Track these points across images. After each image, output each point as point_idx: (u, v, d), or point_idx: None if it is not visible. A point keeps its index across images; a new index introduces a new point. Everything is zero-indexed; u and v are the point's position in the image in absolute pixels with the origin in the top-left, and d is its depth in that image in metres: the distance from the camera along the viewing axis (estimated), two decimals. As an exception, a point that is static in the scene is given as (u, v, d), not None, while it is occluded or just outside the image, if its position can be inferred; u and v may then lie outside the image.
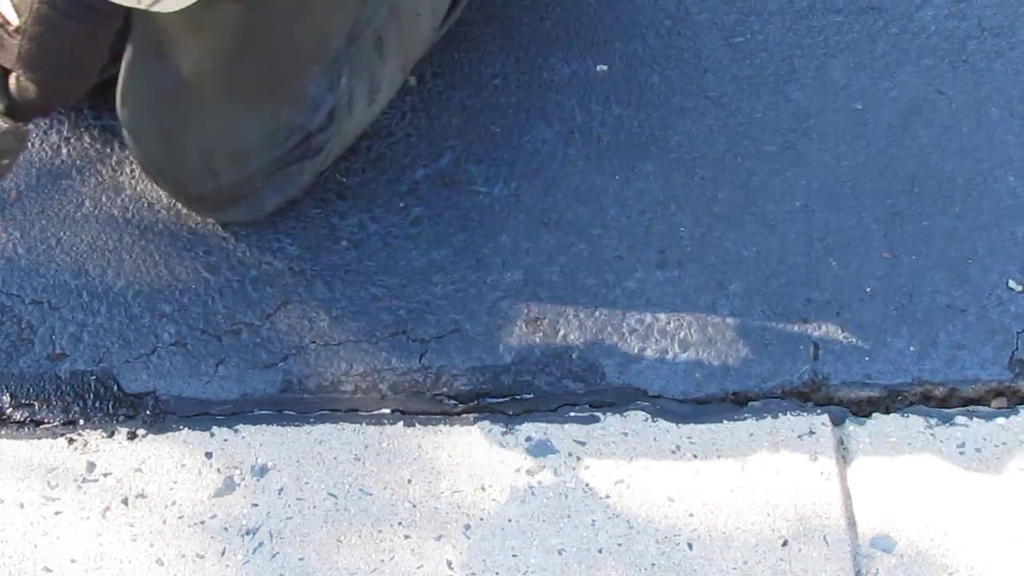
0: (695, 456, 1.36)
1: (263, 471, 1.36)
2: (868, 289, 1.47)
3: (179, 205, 1.52)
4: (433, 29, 1.56)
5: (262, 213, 1.49)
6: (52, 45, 1.23)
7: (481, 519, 1.33)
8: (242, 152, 1.42)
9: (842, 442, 1.38)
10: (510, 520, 1.33)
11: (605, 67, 1.64)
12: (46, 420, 1.41)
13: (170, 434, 1.39)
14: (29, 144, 1.52)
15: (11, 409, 1.42)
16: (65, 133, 1.59)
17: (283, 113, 1.41)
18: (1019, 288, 1.47)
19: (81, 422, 1.41)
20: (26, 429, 1.40)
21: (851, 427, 1.39)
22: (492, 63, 1.64)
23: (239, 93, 1.39)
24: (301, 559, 1.30)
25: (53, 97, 1.30)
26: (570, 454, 1.37)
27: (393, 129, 1.59)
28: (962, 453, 1.37)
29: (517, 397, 1.42)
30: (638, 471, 1.35)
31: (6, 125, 1.29)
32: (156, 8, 1.22)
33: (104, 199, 1.54)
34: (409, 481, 1.35)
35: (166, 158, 1.44)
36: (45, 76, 1.26)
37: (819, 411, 1.40)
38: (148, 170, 1.49)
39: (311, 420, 1.40)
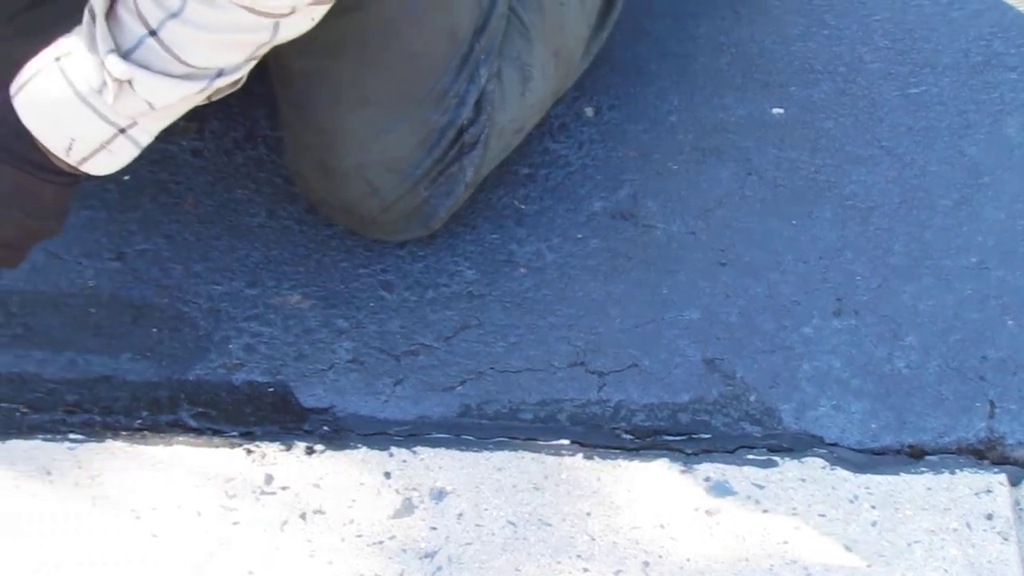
0: (873, 507, 1.36)
1: (442, 495, 1.36)
2: (1046, 350, 1.47)
3: (355, 222, 1.53)
4: (589, 26, 1.56)
5: (437, 223, 1.49)
6: None
7: (660, 556, 1.32)
8: (398, 162, 1.42)
9: (1019, 503, 1.37)
10: (688, 559, 1.32)
11: (781, 110, 1.64)
12: (223, 429, 1.41)
13: (348, 451, 1.39)
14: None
15: (188, 416, 1.42)
16: (240, 140, 1.59)
17: (429, 116, 1.41)
18: None
19: (258, 433, 1.41)
20: (204, 437, 1.41)
21: (1027, 488, 1.39)
22: (668, 99, 1.65)
23: (380, 103, 1.39)
24: (483, 586, 1.30)
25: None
26: (748, 497, 1.36)
27: (571, 159, 1.59)
28: None
29: (694, 436, 1.42)
30: (815, 518, 1.35)
31: None
32: (87, 169, 1.18)
33: (279, 209, 1.55)
34: (588, 514, 1.35)
35: (328, 185, 1.45)
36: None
37: (996, 470, 1.39)
38: (315, 201, 1.50)
39: (490, 446, 1.40)
